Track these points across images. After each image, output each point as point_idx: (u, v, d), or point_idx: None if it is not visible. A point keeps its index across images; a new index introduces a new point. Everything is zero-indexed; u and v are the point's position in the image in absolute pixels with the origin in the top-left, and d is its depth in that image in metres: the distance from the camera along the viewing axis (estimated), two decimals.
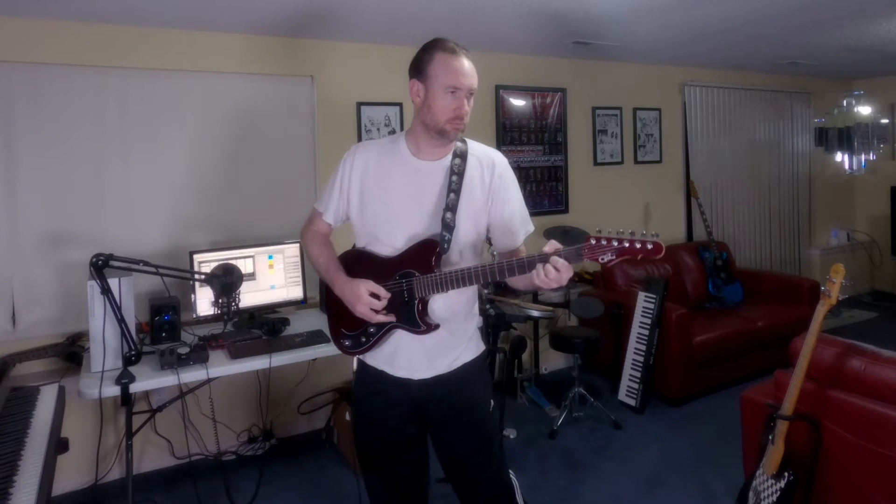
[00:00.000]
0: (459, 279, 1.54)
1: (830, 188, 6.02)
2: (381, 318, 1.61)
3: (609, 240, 1.36)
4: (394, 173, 1.66)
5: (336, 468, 3.07)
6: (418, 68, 1.61)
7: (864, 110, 5.14)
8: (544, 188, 4.32)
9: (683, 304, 3.92)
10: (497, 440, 1.80)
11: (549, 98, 4.30)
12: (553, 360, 4.31)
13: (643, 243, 1.34)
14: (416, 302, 1.61)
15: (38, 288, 2.84)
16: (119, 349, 2.30)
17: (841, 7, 3.22)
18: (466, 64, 1.58)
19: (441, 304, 1.65)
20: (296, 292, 3.13)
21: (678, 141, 5.01)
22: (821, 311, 2.03)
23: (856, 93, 5.31)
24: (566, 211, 4.40)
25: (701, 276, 4.53)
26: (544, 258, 1.41)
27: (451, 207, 1.61)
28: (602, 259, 1.37)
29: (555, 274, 1.39)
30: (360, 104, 3.59)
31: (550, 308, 3.36)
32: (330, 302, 1.78)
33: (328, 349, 2.62)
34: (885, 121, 5.38)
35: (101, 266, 2.23)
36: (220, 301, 2.46)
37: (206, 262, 2.86)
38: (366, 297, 1.59)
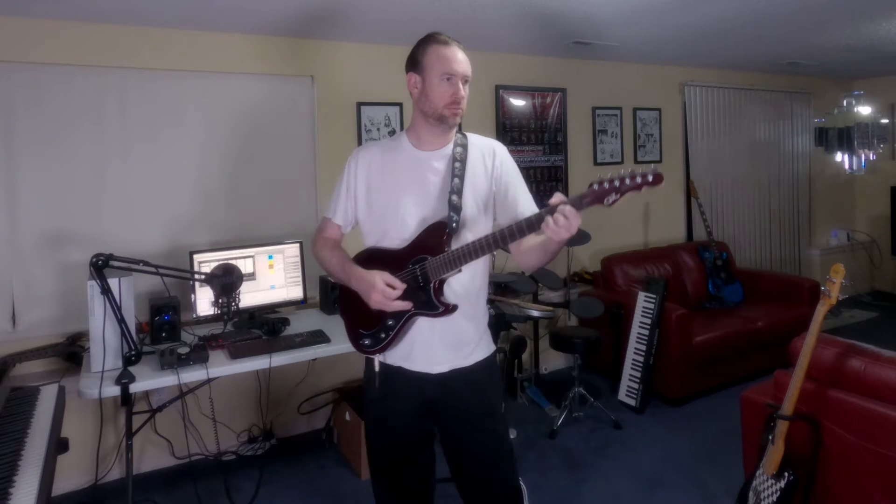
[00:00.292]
0: (471, 252, 1.55)
1: (830, 188, 6.02)
2: (399, 304, 1.60)
3: (611, 181, 1.37)
4: (398, 166, 1.70)
5: (336, 468, 3.07)
6: (414, 61, 1.67)
7: (864, 110, 5.14)
8: (544, 188, 4.31)
9: (683, 304, 3.92)
10: (507, 446, 1.79)
11: (549, 98, 4.30)
12: (553, 360, 4.31)
13: (643, 176, 1.35)
14: (432, 284, 1.61)
15: (38, 288, 2.84)
16: (119, 349, 2.30)
17: (841, 7, 3.22)
18: (459, 53, 1.65)
19: (455, 283, 1.66)
20: (296, 292, 3.13)
21: (678, 141, 5.01)
22: (821, 311, 2.03)
23: (856, 93, 5.31)
24: None
25: (701, 276, 4.53)
26: (551, 210, 1.41)
27: (457, 191, 1.64)
28: (608, 201, 1.38)
29: (564, 221, 1.39)
30: (360, 104, 3.59)
31: (550, 308, 3.36)
32: (344, 303, 1.78)
33: (328, 349, 2.63)
34: (885, 121, 5.38)
35: (101, 266, 2.23)
36: (220, 301, 2.46)
37: (206, 262, 2.86)
38: (380, 285, 1.59)
